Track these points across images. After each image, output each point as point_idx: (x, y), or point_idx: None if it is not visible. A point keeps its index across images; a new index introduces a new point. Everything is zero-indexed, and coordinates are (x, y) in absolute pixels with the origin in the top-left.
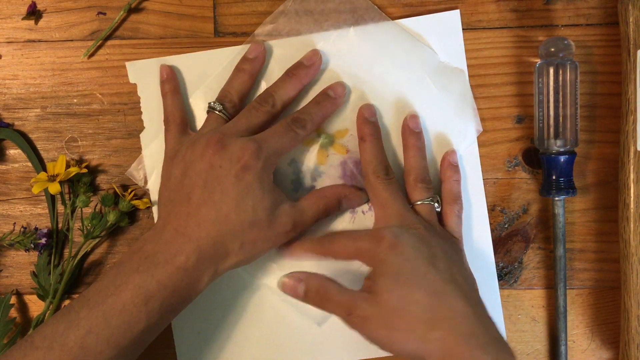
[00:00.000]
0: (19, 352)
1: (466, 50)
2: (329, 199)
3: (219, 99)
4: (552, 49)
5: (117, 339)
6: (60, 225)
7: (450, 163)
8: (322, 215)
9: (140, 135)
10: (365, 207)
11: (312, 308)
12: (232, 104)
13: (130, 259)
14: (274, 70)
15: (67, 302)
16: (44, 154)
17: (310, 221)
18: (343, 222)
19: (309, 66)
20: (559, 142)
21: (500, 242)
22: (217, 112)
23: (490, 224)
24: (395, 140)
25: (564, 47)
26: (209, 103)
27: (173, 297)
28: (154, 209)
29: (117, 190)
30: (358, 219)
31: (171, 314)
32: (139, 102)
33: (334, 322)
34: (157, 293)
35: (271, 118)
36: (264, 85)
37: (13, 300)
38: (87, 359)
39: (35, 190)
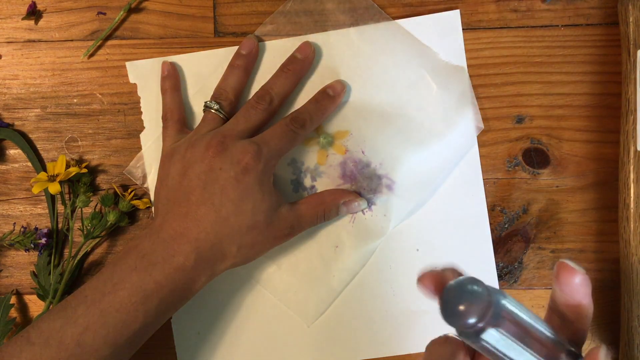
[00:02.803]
0: (15, 347)
1: (466, 50)
2: (328, 205)
3: (215, 98)
4: (462, 308)
5: (113, 337)
6: (60, 225)
7: None
8: (320, 221)
9: (140, 135)
10: (366, 209)
11: (308, 309)
12: (228, 102)
13: (127, 257)
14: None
15: None
16: (44, 154)
17: (308, 226)
18: (343, 223)
19: (303, 59)
20: None
21: (500, 242)
22: (213, 111)
23: (490, 224)
24: (397, 139)
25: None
26: (205, 102)
27: (170, 297)
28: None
29: (117, 190)
30: (358, 220)
31: (168, 313)
32: (139, 102)
33: (333, 324)
34: (154, 292)
35: (270, 115)
36: None
37: (13, 300)
38: (83, 356)
39: (35, 190)
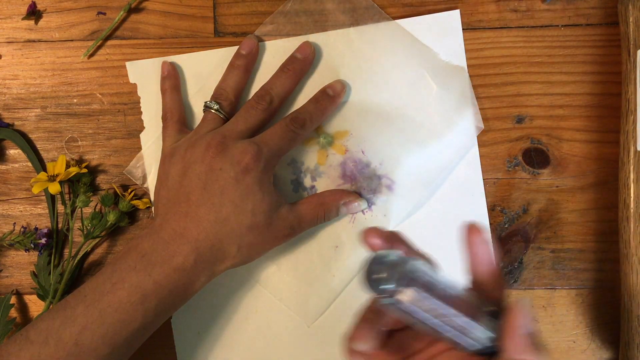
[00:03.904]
0: (14, 346)
1: (466, 50)
2: (328, 205)
3: (215, 98)
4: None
5: (112, 337)
6: (60, 225)
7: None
8: (320, 221)
9: (140, 135)
10: (366, 209)
11: (308, 309)
12: (228, 102)
13: (126, 257)
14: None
15: None
16: (44, 154)
17: (308, 226)
18: (343, 223)
19: (303, 59)
20: None
21: (500, 242)
22: (213, 111)
23: (490, 224)
24: (397, 139)
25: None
26: (205, 102)
27: (169, 297)
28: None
29: (117, 190)
30: (358, 220)
31: (166, 313)
32: (139, 102)
33: (333, 324)
34: (153, 292)
35: (270, 116)
36: None
37: (13, 300)
38: (81, 356)
39: (35, 190)
